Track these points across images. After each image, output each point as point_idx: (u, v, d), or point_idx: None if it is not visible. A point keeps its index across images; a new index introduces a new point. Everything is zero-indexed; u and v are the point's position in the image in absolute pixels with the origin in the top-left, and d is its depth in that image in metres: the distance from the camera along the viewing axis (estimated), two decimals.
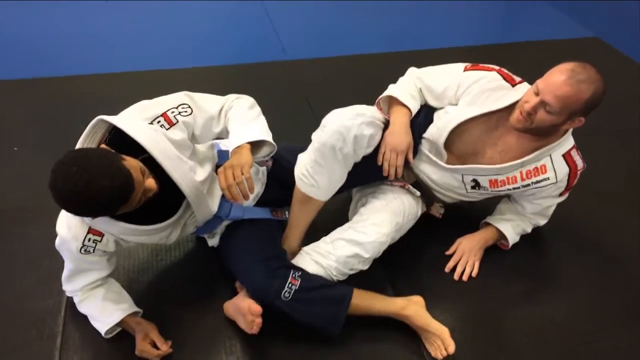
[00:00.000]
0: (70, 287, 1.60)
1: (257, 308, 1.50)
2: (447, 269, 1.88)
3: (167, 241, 1.62)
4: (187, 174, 1.46)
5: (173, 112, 1.48)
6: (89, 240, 1.46)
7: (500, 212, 1.96)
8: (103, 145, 1.40)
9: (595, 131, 2.67)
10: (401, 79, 1.84)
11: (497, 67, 1.72)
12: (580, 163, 1.73)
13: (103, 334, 1.57)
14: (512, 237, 1.91)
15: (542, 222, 1.94)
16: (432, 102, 1.80)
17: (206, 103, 1.59)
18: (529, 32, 3.80)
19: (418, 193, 1.84)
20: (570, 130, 1.68)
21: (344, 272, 1.68)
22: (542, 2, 4.24)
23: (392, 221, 1.73)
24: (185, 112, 1.51)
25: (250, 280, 1.61)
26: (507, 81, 1.68)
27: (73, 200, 1.23)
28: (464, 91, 1.71)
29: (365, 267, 1.72)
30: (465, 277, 1.85)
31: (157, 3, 3.90)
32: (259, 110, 1.66)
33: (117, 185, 1.23)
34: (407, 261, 1.89)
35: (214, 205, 1.61)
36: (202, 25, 3.66)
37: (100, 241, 1.48)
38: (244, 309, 1.54)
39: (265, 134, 1.57)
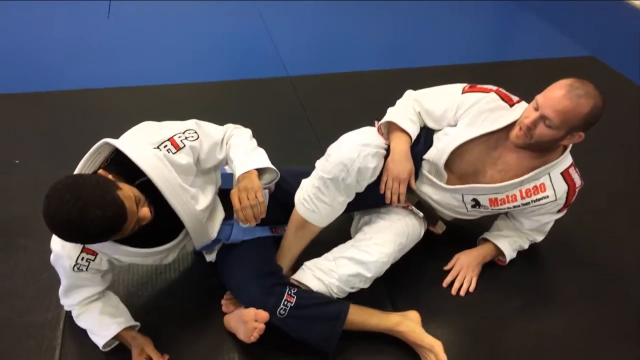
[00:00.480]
0: (67, 301, 1.61)
1: (265, 314, 1.52)
2: (445, 283, 1.89)
3: (163, 262, 1.63)
4: (188, 203, 1.47)
5: (180, 136, 1.50)
6: (82, 259, 1.48)
7: (498, 229, 1.98)
8: (101, 171, 1.41)
9: (592, 148, 2.71)
10: (399, 102, 1.85)
11: (494, 88, 1.75)
12: (578, 181, 1.75)
13: (101, 348, 1.58)
14: (509, 253, 1.92)
15: (540, 238, 1.95)
16: (431, 125, 1.82)
17: (211, 130, 1.63)
18: (525, 50, 3.86)
19: (421, 214, 1.85)
20: (569, 148, 1.70)
21: (345, 290, 1.69)
22: (538, 20, 4.30)
23: (395, 242, 1.74)
24: (192, 137, 1.52)
25: (246, 297, 1.62)
26: (505, 101, 1.71)
27: (65, 228, 1.23)
28: (463, 113, 1.73)
29: (367, 286, 1.73)
30: (462, 292, 1.86)
31: (159, 19, 3.95)
32: (256, 142, 1.70)
33: (109, 215, 1.23)
34: (406, 276, 1.89)
35: (213, 231, 1.63)
36: (203, 41, 3.71)
37: (93, 260, 1.49)
38: (249, 316, 1.54)
39: (269, 163, 1.62)
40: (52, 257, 1.53)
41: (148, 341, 1.57)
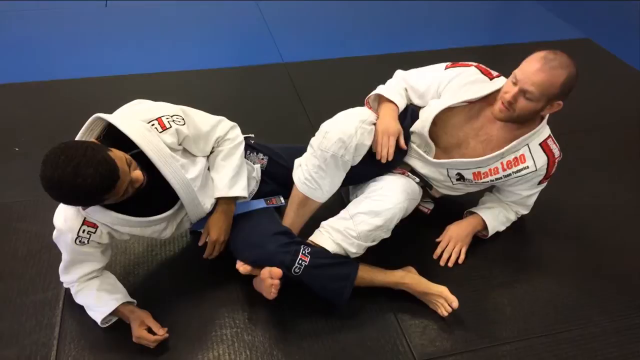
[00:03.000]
0: (67, 278, 1.66)
1: (278, 271, 1.59)
2: (435, 255, 1.95)
3: (161, 236, 1.68)
4: (178, 171, 1.54)
5: (167, 118, 1.56)
6: (84, 231, 1.54)
7: (483, 203, 2.04)
8: (94, 140, 1.48)
9: (589, 128, 2.76)
10: (389, 81, 1.94)
11: (475, 64, 1.82)
12: (557, 152, 1.81)
13: (99, 323, 1.63)
14: (492, 225, 1.97)
15: (524, 211, 2.01)
16: (416, 101, 1.90)
17: (199, 121, 1.67)
18: (520, 33, 3.87)
19: (417, 179, 1.93)
20: (546, 119, 1.76)
21: (366, 245, 1.75)
22: (532, 3, 4.30)
23: (404, 190, 1.81)
24: (179, 122, 1.58)
25: (263, 254, 1.66)
26: (485, 75, 1.78)
27: (60, 187, 1.30)
28: (444, 87, 1.81)
29: (388, 236, 1.79)
30: (450, 264, 1.92)
31: (155, 6, 3.97)
32: (243, 155, 1.77)
33: (101, 172, 1.30)
34: (395, 253, 1.92)
35: (206, 204, 1.68)
36: (199, 29, 3.73)
37: (94, 232, 1.55)
38: (265, 274, 1.62)
39: (246, 192, 1.74)
40: (54, 233, 1.59)
41: (147, 314, 1.63)
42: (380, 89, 1.88)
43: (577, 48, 3.56)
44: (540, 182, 1.87)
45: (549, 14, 4.12)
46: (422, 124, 1.83)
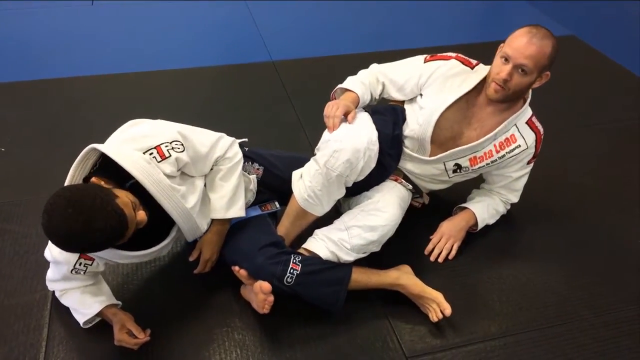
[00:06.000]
0: (53, 285, 1.67)
1: (267, 286, 1.59)
2: (426, 251, 1.96)
3: (159, 255, 1.67)
4: (179, 203, 1.50)
5: (167, 146, 1.49)
6: (80, 264, 1.53)
7: (471, 199, 2.06)
8: (94, 179, 1.42)
9: (578, 124, 2.78)
10: (361, 71, 1.96)
11: (454, 55, 1.85)
12: (541, 128, 1.87)
13: (82, 325, 1.62)
14: (482, 217, 1.99)
15: (513, 198, 2.02)
16: (395, 94, 1.92)
17: (197, 142, 1.61)
18: (507, 30, 3.86)
19: (410, 186, 1.94)
20: (529, 100, 1.81)
21: (358, 256, 1.76)
22: (520, 1, 4.33)
23: (399, 204, 1.84)
24: (179, 148, 1.52)
25: (253, 267, 1.66)
26: (466, 65, 1.81)
27: (69, 242, 1.28)
28: (425, 81, 1.83)
29: (378, 249, 1.80)
30: (440, 259, 1.93)
31: (141, 5, 3.95)
32: (240, 168, 1.74)
33: (112, 225, 1.26)
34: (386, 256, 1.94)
35: (204, 225, 1.66)
36: (187, 27, 3.72)
37: (91, 265, 1.54)
38: (255, 288, 1.62)
39: (243, 211, 1.72)
40: (48, 256, 1.57)
41: (128, 317, 1.62)
42: (346, 82, 1.91)
43: (563, 45, 3.55)
44: (529, 162, 1.91)
45: (536, 12, 4.15)
46: (422, 129, 1.83)
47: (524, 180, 1.99)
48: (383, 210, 1.78)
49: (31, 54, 3.28)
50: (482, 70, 1.80)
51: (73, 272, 1.54)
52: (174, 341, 1.65)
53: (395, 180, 1.93)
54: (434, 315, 1.69)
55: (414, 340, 1.68)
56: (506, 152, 1.84)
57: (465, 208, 2.02)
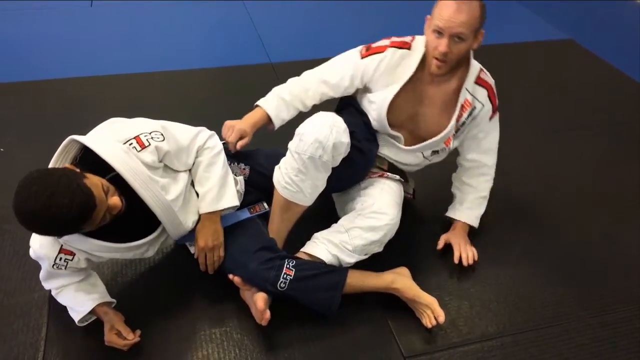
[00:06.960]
0: (47, 284, 1.67)
1: (260, 304, 1.59)
2: (455, 259, 1.93)
3: (144, 256, 1.64)
4: (158, 194, 1.48)
5: (146, 136, 1.49)
6: (60, 259, 1.51)
7: (453, 203, 2.07)
8: (69, 165, 1.42)
9: (576, 127, 2.80)
10: (290, 81, 1.96)
11: (388, 42, 1.82)
12: (491, 80, 1.84)
13: (77, 323, 1.62)
14: (474, 217, 2.02)
15: (489, 160, 1.98)
16: (332, 93, 1.91)
17: (178, 133, 1.61)
18: (504, 34, 3.89)
19: (397, 177, 1.94)
20: (471, 61, 1.77)
21: (360, 258, 1.76)
22: (516, 3, 4.35)
23: (396, 203, 1.84)
24: (158, 138, 1.52)
25: (246, 273, 1.65)
26: (404, 48, 1.79)
27: (34, 219, 1.25)
28: (370, 78, 1.82)
29: (381, 250, 1.80)
30: (471, 261, 1.92)
31: (140, 6, 3.95)
32: (225, 162, 1.72)
33: (77, 202, 1.24)
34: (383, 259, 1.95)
35: (188, 221, 1.63)
36: (186, 29, 3.73)
37: (71, 260, 1.52)
38: (254, 298, 1.63)
39: (236, 200, 1.69)
40: (31, 253, 1.56)
41: (119, 317, 1.61)
42: (269, 94, 1.93)
43: (561, 49, 3.62)
44: (491, 118, 1.88)
45: (533, 15, 4.17)
46: (379, 123, 1.84)
47: (494, 138, 1.95)
48: (381, 212, 1.78)
49: (31, 54, 3.29)
50: (419, 45, 1.77)
51: (54, 267, 1.52)
52: (172, 341, 1.66)
53: (381, 176, 1.92)
54: (428, 321, 1.69)
55: (412, 340, 1.69)
56: (465, 118, 1.82)
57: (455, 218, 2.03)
